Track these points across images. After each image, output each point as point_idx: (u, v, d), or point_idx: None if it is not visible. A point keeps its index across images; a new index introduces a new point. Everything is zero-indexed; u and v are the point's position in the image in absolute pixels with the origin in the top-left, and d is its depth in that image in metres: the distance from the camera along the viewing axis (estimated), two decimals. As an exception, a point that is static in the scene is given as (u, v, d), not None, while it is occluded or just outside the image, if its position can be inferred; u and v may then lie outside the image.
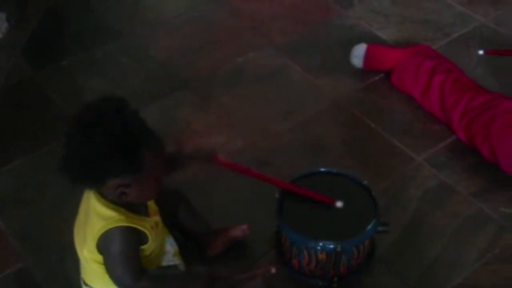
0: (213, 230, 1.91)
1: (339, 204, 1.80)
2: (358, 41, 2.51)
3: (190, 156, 1.79)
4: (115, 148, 1.45)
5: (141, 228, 1.58)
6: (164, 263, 1.72)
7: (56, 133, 2.23)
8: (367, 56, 2.47)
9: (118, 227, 1.54)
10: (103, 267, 1.60)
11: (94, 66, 2.56)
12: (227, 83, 2.47)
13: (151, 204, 1.67)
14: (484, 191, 2.10)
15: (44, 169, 2.16)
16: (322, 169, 1.91)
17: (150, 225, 1.61)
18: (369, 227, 1.77)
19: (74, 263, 1.80)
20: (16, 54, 2.59)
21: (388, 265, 1.90)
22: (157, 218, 1.68)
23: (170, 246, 1.75)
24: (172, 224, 1.83)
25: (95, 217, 1.56)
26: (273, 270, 1.76)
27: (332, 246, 1.74)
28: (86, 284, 1.70)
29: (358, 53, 2.48)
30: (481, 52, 2.47)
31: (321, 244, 1.74)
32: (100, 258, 1.59)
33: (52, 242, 1.95)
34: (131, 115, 1.50)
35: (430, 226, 2.00)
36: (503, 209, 2.05)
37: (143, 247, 1.61)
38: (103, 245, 1.57)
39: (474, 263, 1.91)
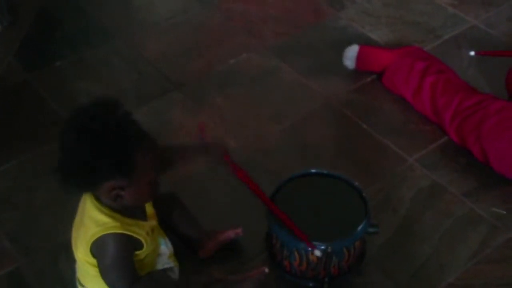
0: (206, 232, 1.91)
1: (317, 253, 1.75)
2: (350, 42, 2.52)
3: (200, 151, 1.79)
4: (106, 150, 1.45)
5: (136, 236, 1.58)
6: (159, 265, 1.72)
7: (49, 135, 2.26)
8: (359, 58, 2.48)
9: (111, 233, 1.54)
10: (97, 269, 1.60)
11: (87, 67, 2.56)
12: (220, 84, 2.47)
13: (149, 208, 1.67)
14: (475, 191, 2.11)
15: (37, 171, 2.16)
16: (313, 170, 1.91)
17: (146, 231, 1.61)
18: (359, 228, 1.78)
19: (67, 264, 1.81)
20: (9, 56, 2.59)
21: (380, 266, 1.90)
22: (153, 222, 1.68)
23: (166, 248, 1.75)
24: (166, 227, 1.83)
25: (89, 221, 1.56)
26: (266, 270, 1.76)
27: (322, 247, 1.74)
28: (81, 285, 1.71)
29: (350, 55, 2.49)
30: (472, 53, 2.48)
31: (312, 245, 1.76)
32: (94, 261, 1.59)
33: (44, 244, 1.95)
34: (123, 117, 1.50)
35: (422, 226, 2.01)
36: (494, 209, 2.06)
37: (137, 252, 1.61)
38: (96, 250, 1.57)
39: (466, 263, 1.91)
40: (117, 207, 1.56)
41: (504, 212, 2.05)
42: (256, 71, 2.53)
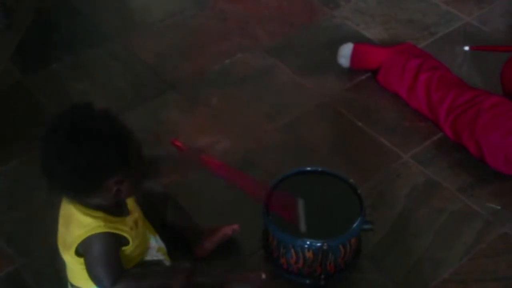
0: (202, 230, 1.92)
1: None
2: (345, 41, 2.52)
3: (175, 161, 1.79)
4: (106, 148, 1.46)
5: (120, 232, 1.60)
6: (148, 257, 1.73)
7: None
8: (354, 56, 2.48)
9: (96, 234, 1.56)
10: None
11: (83, 69, 2.57)
12: (215, 84, 2.48)
13: (129, 202, 1.67)
14: (470, 187, 2.12)
15: (33, 172, 2.14)
16: (308, 168, 1.93)
17: (129, 226, 1.63)
18: (354, 225, 1.79)
19: (65, 265, 1.81)
20: (5, 59, 2.59)
21: (376, 262, 1.92)
22: (136, 215, 1.68)
23: (155, 242, 1.76)
24: (161, 226, 1.84)
25: (74, 224, 1.58)
26: (264, 276, 1.77)
27: (319, 245, 1.76)
28: (72, 285, 1.72)
29: (345, 53, 2.49)
30: (466, 48, 2.50)
31: (308, 242, 1.76)
32: (81, 259, 1.61)
33: (42, 245, 1.95)
34: (105, 113, 1.52)
35: (417, 222, 2.02)
36: (489, 204, 2.07)
37: (124, 248, 1.63)
38: (83, 250, 1.59)
39: (461, 259, 1.93)
40: (101, 206, 1.57)
41: (499, 207, 2.06)
42: (251, 71, 2.54)
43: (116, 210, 1.61)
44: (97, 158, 1.46)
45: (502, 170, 2.13)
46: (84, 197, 1.56)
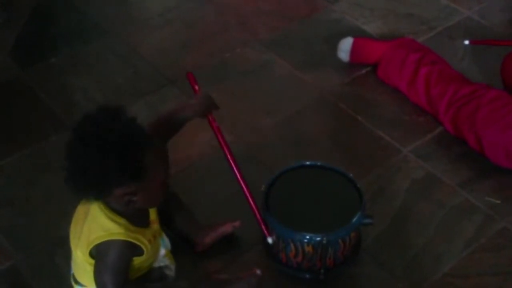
0: (203, 226, 1.91)
1: (269, 240, 1.82)
2: (344, 35, 2.52)
3: (187, 111, 1.83)
4: (114, 157, 1.45)
5: (138, 243, 1.59)
6: (155, 264, 1.73)
7: (44, 132, 2.26)
8: (353, 50, 2.48)
9: (115, 240, 1.55)
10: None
11: (82, 64, 2.57)
12: (214, 78, 2.47)
13: (152, 214, 1.68)
14: (470, 181, 2.12)
15: (32, 167, 2.16)
16: (307, 163, 1.92)
17: (148, 239, 1.62)
18: (354, 219, 1.79)
19: (63, 260, 1.81)
20: (3, 53, 2.59)
21: (376, 257, 1.91)
22: (156, 227, 1.69)
23: (162, 247, 1.76)
24: (163, 222, 1.83)
25: (94, 224, 1.57)
26: (258, 272, 1.75)
27: (318, 239, 1.75)
28: (76, 282, 1.71)
29: (344, 47, 2.49)
30: (466, 42, 2.50)
31: (307, 236, 1.76)
32: (92, 261, 1.60)
33: (40, 240, 1.96)
34: (127, 123, 1.50)
35: (417, 217, 2.02)
36: (489, 199, 2.06)
37: (135, 258, 1.63)
38: (96, 253, 1.58)
39: (460, 253, 1.92)
40: (125, 213, 1.57)
41: (499, 201, 2.05)
42: (250, 65, 2.54)
43: (137, 219, 1.60)
44: (102, 167, 1.45)
45: (502, 164, 2.13)
46: (98, 200, 1.55)
